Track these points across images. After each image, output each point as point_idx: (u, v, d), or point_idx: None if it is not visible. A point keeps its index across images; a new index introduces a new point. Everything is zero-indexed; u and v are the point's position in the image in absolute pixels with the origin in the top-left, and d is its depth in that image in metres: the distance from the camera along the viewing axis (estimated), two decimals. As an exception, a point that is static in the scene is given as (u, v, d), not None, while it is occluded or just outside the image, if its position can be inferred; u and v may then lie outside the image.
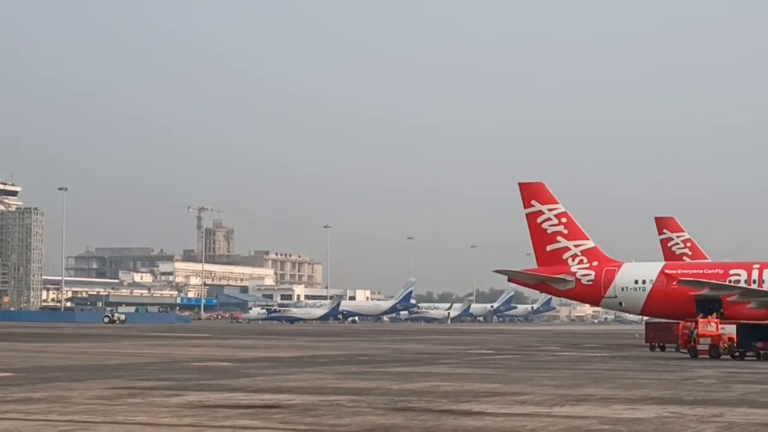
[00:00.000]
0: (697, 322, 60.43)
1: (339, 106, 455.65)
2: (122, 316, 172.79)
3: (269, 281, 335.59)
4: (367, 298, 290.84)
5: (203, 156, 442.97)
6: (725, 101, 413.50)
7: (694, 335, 59.10)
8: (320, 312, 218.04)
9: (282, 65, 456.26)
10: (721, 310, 79.39)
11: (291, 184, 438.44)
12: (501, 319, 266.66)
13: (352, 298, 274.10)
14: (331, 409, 25.61)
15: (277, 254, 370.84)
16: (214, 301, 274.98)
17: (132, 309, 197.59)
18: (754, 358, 56.41)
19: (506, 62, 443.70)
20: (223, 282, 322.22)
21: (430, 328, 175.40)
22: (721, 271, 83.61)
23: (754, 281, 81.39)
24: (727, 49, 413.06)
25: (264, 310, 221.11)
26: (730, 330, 59.29)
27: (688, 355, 58.48)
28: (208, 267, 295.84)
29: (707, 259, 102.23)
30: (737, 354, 57.33)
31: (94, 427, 21.73)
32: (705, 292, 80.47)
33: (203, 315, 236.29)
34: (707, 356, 57.10)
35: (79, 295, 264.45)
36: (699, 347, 58.25)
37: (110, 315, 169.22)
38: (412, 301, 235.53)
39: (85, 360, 49.16)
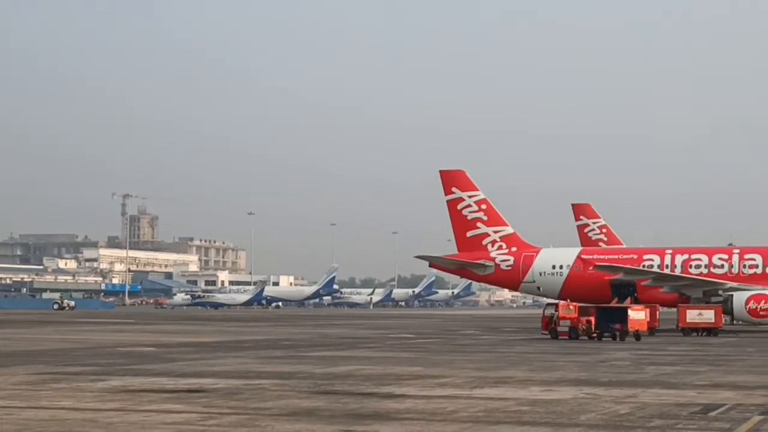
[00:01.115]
0: (557, 306, 63.85)
1: (268, 86, 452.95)
2: (72, 303, 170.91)
3: (193, 267, 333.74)
4: (291, 283, 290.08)
5: (129, 143, 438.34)
6: (641, 98, 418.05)
7: (554, 318, 61.73)
8: (244, 297, 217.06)
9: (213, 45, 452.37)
10: (635, 294, 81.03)
11: (215, 169, 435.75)
12: (422, 303, 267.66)
13: (276, 283, 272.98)
14: (255, 393, 26.00)
15: (201, 241, 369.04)
16: (139, 287, 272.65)
17: (56, 295, 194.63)
18: (611, 339, 59.47)
19: (428, 53, 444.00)
20: (148, 268, 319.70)
21: (353, 313, 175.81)
22: (635, 257, 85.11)
23: (667, 266, 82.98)
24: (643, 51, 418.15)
25: (188, 296, 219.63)
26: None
27: (549, 336, 61.02)
28: (132, 253, 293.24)
29: (622, 244, 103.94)
30: (595, 335, 60.19)
31: (18, 413, 21.87)
32: (620, 276, 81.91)
33: (128, 301, 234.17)
34: (567, 337, 59.74)
35: (3, 282, 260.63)
36: (559, 329, 60.92)
37: (60, 302, 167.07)
38: (335, 286, 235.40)
39: (9, 346, 48.95)
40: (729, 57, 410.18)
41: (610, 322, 61.25)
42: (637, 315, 62.23)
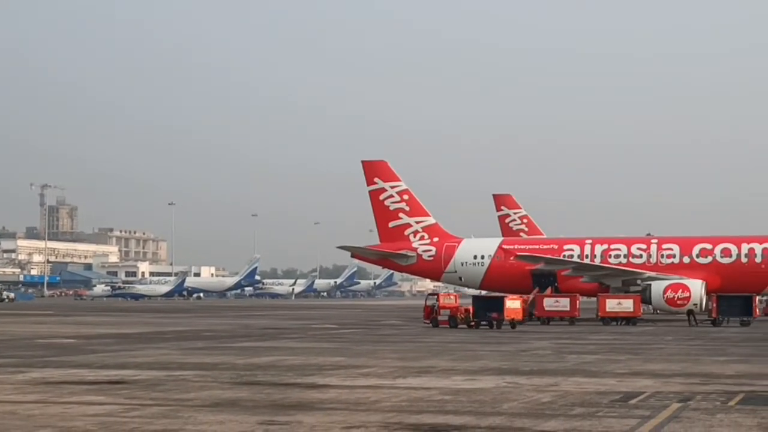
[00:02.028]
0: (438, 297, 66.98)
1: (193, 66, 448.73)
2: (11, 295, 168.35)
3: (113, 258, 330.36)
4: (212, 274, 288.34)
5: (48, 133, 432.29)
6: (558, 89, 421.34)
7: (435, 307, 64.37)
8: (165, 289, 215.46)
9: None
10: (556, 284, 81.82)
11: (135, 157, 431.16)
12: (344, 294, 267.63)
13: (197, 274, 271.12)
14: (177, 384, 25.86)
15: (121, 231, 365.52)
16: (58, 278, 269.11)
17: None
18: (487, 327, 61.65)
19: (352, 43, 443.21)
20: (67, 259, 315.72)
21: (275, 303, 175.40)
22: (555, 247, 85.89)
23: (587, 256, 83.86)
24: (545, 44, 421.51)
25: (108, 287, 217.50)
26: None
27: (430, 325, 63.39)
28: (51, 244, 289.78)
29: (543, 235, 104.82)
30: (473, 323, 62.34)
31: (-62, 406, 21.58)
32: (540, 266, 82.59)
33: (46, 292, 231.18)
34: (447, 326, 61.95)
35: None
36: (440, 318, 63.45)
37: None
38: (257, 277, 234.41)
39: (-77, 339, 48.16)
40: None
41: (487, 311, 63.47)
42: (513, 304, 64.63)
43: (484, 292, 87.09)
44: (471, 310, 63.68)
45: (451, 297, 67.07)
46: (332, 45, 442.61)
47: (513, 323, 62.63)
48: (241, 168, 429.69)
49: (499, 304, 64.19)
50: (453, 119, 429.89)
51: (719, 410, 20.71)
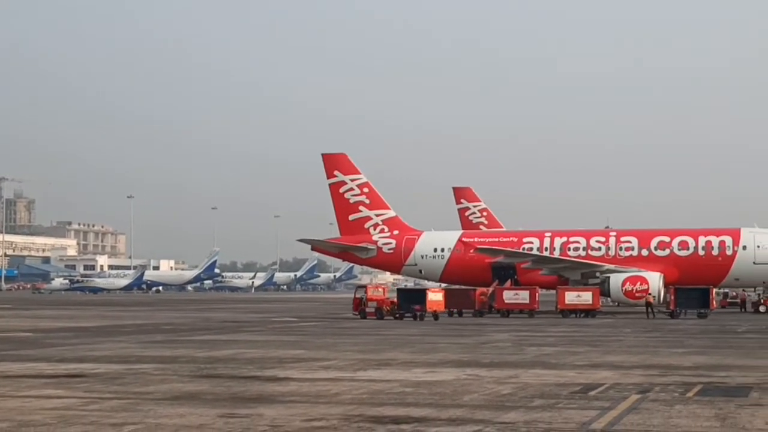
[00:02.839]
0: (366, 289, 69.58)
1: (156, 46, 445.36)
2: None
3: (72, 252, 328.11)
4: (171, 267, 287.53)
5: (4, 123, 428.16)
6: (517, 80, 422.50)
7: (364, 300, 66.89)
8: (124, 282, 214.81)
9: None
10: (516, 277, 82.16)
11: (93, 152, 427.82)
12: (304, 287, 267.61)
13: (156, 267, 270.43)
14: (137, 378, 25.75)
15: (79, 224, 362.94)
16: (15, 272, 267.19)
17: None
18: (412, 319, 63.53)
19: (314, 33, 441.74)
20: (25, 253, 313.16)
21: (235, 297, 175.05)
22: (515, 239, 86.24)
23: (546, 249, 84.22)
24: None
25: (67, 281, 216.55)
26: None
27: (358, 316, 65.80)
28: (8, 238, 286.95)
29: (502, 227, 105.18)
30: (398, 315, 64.61)
31: None
32: (500, 259, 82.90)
33: (4, 286, 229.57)
34: (374, 317, 64.27)
35: None
36: (367, 310, 65.86)
37: None
38: (216, 270, 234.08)
39: None
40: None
41: (411, 303, 65.47)
42: (435, 297, 66.63)
43: (443, 285, 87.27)
44: (396, 302, 65.98)
45: (380, 289, 69.63)
46: (296, 38, 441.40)
47: (435, 315, 64.55)
48: (201, 160, 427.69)
49: (421, 296, 66.12)
50: (413, 112, 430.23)
51: (677, 401, 20.86)
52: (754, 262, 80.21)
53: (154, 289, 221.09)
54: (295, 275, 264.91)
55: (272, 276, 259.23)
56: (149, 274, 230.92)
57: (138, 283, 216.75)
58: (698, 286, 72.70)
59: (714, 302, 74.11)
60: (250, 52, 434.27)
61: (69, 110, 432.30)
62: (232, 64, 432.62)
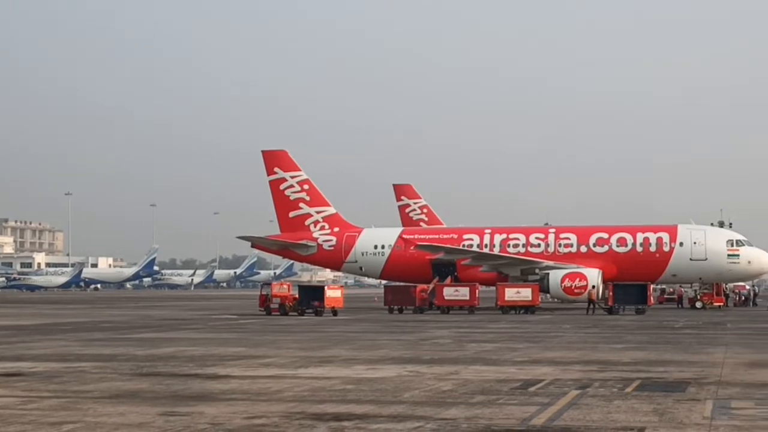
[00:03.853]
0: (271, 286, 72.18)
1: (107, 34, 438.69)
2: None
3: (8, 249, 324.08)
4: (110, 265, 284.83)
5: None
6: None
7: (269, 296, 69.13)
8: (62, 280, 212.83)
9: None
10: (456, 274, 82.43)
11: (33, 149, 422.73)
12: (244, 284, 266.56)
13: (95, 265, 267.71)
14: (76, 376, 25.54)
15: (16, 222, 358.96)
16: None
17: None
18: (313, 314, 65.63)
19: (260, 29, 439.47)
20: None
21: (174, 294, 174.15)
22: (455, 236, 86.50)
23: (486, 246, 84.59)
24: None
25: (3, 279, 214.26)
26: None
27: (277, 313, 66.94)
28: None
29: (443, 224, 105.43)
30: (300, 311, 66.87)
31: None
32: (440, 256, 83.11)
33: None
34: (278, 313, 66.26)
35: None
36: (272, 306, 67.88)
37: None
38: (156, 267, 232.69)
39: None
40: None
41: (311, 300, 67.58)
42: (333, 293, 68.67)
43: (384, 282, 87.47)
44: (297, 299, 68.26)
45: (284, 286, 71.89)
46: (235, 27, 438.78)
47: (334, 311, 66.11)
48: (138, 160, 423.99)
49: (320, 293, 68.08)
50: (354, 109, 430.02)
51: (616, 397, 21.05)
52: (690, 259, 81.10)
53: (92, 286, 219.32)
54: (235, 272, 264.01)
55: (212, 273, 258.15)
56: (87, 272, 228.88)
57: (76, 281, 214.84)
58: (636, 282, 73.43)
59: (651, 298, 74.88)
60: (196, 44, 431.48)
61: (3, 104, 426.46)
62: (168, 54, 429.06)
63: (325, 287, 70.84)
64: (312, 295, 68.77)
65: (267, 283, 76.20)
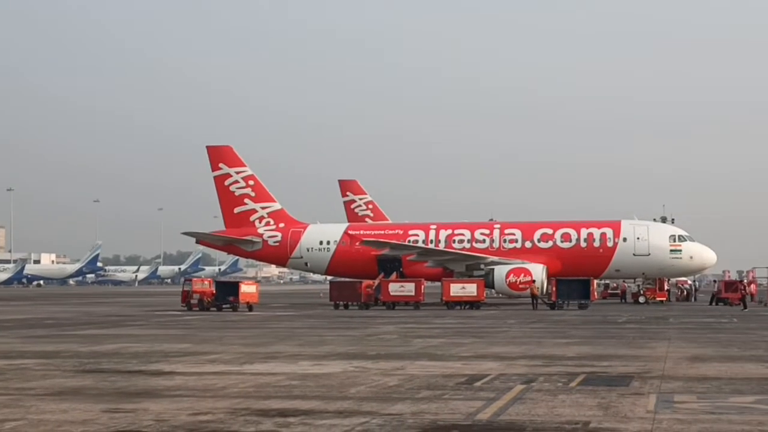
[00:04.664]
0: (192, 282, 73.01)
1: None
2: None
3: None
4: (53, 261, 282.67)
5: None
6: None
7: (190, 292, 69.98)
8: (4, 276, 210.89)
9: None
10: (401, 269, 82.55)
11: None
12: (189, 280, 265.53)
13: (37, 261, 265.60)
14: (18, 373, 25.26)
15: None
16: None
17: None
18: (230, 309, 66.95)
19: (204, 24, 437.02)
20: None
21: (118, 290, 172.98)
22: (401, 232, 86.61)
23: (431, 241, 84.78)
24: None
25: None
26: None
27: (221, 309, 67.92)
28: None
29: (388, 220, 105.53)
30: (217, 306, 68.13)
31: None
32: (386, 252, 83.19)
33: None
34: (198, 309, 67.51)
35: None
36: (192, 302, 69.02)
37: None
38: (99, 264, 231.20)
39: None
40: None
41: (227, 295, 69.07)
42: (248, 289, 70.53)
43: (330, 278, 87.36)
44: (215, 294, 69.29)
45: (205, 283, 72.53)
46: (171, 20, 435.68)
47: (250, 306, 68.29)
48: (81, 156, 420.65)
49: (235, 288, 69.69)
50: (299, 104, 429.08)
51: (561, 391, 21.16)
52: (633, 254, 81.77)
53: (35, 283, 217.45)
54: (180, 268, 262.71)
55: (156, 269, 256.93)
56: (30, 268, 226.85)
57: (18, 278, 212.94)
58: (579, 278, 73.91)
59: (595, 293, 75.42)
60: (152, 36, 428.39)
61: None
62: (126, 42, 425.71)
63: (240, 283, 72.80)
64: (228, 290, 70.31)
65: (189, 279, 76.62)
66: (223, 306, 68.19)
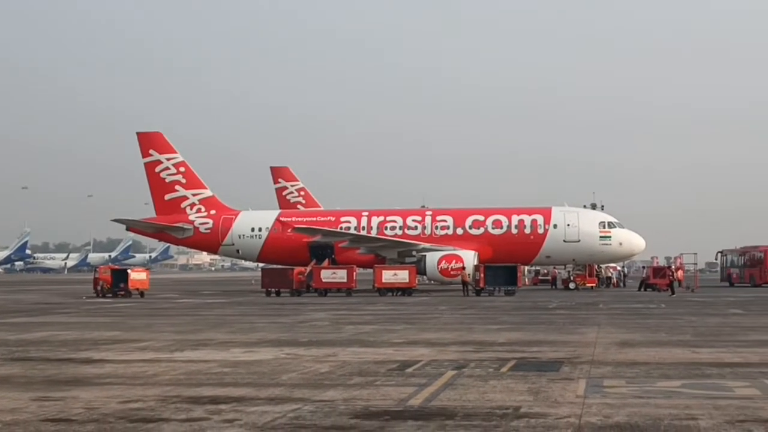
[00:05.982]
0: (99, 270, 75.16)
1: None
2: None
3: None
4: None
5: None
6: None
7: (98, 279, 72.45)
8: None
9: None
10: (333, 256, 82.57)
11: None
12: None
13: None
14: (-55, 362, 24.95)
15: None
16: None
17: None
18: (123, 295, 69.42)
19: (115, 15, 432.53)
20: None
21: (47, 278, 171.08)
22: (332, 219, 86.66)
23: (363, 228, 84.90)
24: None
25: None
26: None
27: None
28: None
29: (320, 207, 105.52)
30: (114, 293, 70.17)
31: None
32: (318, 238, 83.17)
33: None
34: (100, 296, 69.66)
35: None
36: (98, 288, 71.57)
37: None
38: (28, 251, 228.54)
39: None
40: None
41: (120, 282, 70.90)
42: (138, 276, 72.11)
43: (261, 265, 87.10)
44: (110, 281, 71.27)
45: (107, 270, 74.62)
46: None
47: (141, 293, 70.20)
48: (10, 139, 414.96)
49: (125, 276, 71.19)
50: (232, 89, 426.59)
51: (492, 377, 21.28)
52: (564, 240, 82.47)
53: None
54: (110, 256, 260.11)
55: (86, 257, 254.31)
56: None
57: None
58: (506, 264, 74.33)
59: (522, 279, 75.96)
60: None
61: None
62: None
63: (129, 270, 74.32)
64: (120, 277, 71.73)
65: (97, 268, 77.42)
66: (118, 292, 70.11)
